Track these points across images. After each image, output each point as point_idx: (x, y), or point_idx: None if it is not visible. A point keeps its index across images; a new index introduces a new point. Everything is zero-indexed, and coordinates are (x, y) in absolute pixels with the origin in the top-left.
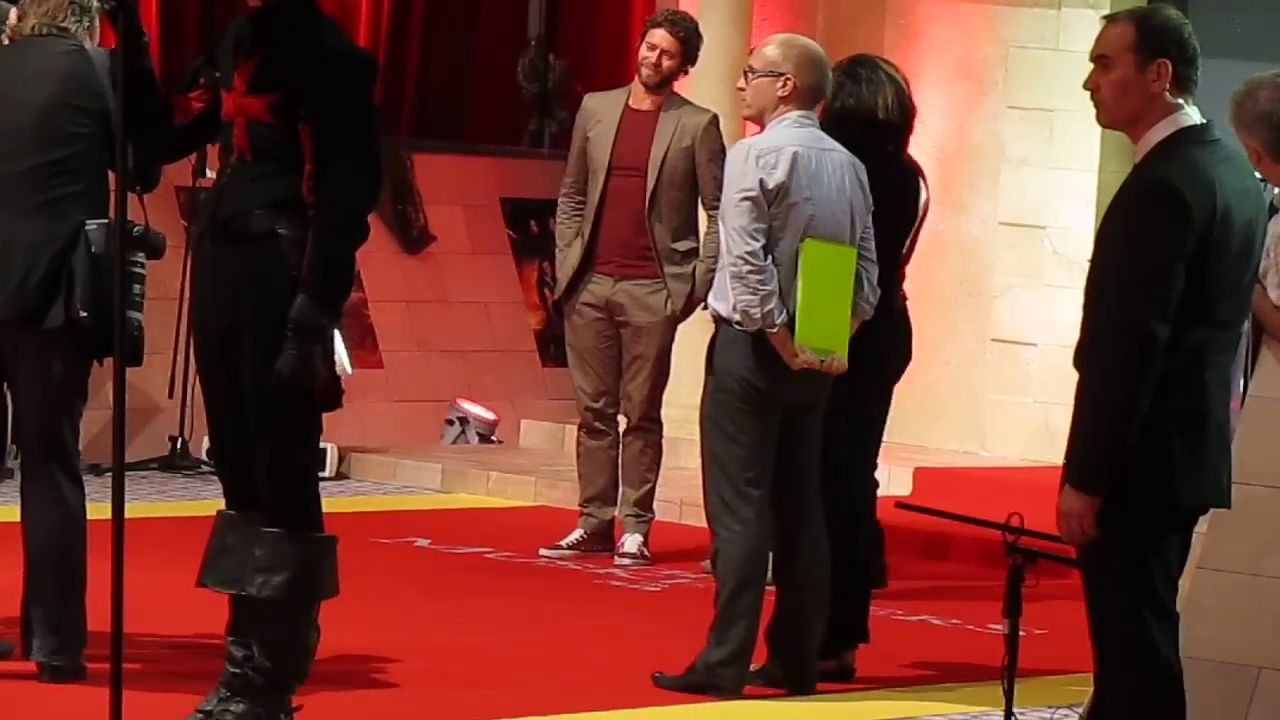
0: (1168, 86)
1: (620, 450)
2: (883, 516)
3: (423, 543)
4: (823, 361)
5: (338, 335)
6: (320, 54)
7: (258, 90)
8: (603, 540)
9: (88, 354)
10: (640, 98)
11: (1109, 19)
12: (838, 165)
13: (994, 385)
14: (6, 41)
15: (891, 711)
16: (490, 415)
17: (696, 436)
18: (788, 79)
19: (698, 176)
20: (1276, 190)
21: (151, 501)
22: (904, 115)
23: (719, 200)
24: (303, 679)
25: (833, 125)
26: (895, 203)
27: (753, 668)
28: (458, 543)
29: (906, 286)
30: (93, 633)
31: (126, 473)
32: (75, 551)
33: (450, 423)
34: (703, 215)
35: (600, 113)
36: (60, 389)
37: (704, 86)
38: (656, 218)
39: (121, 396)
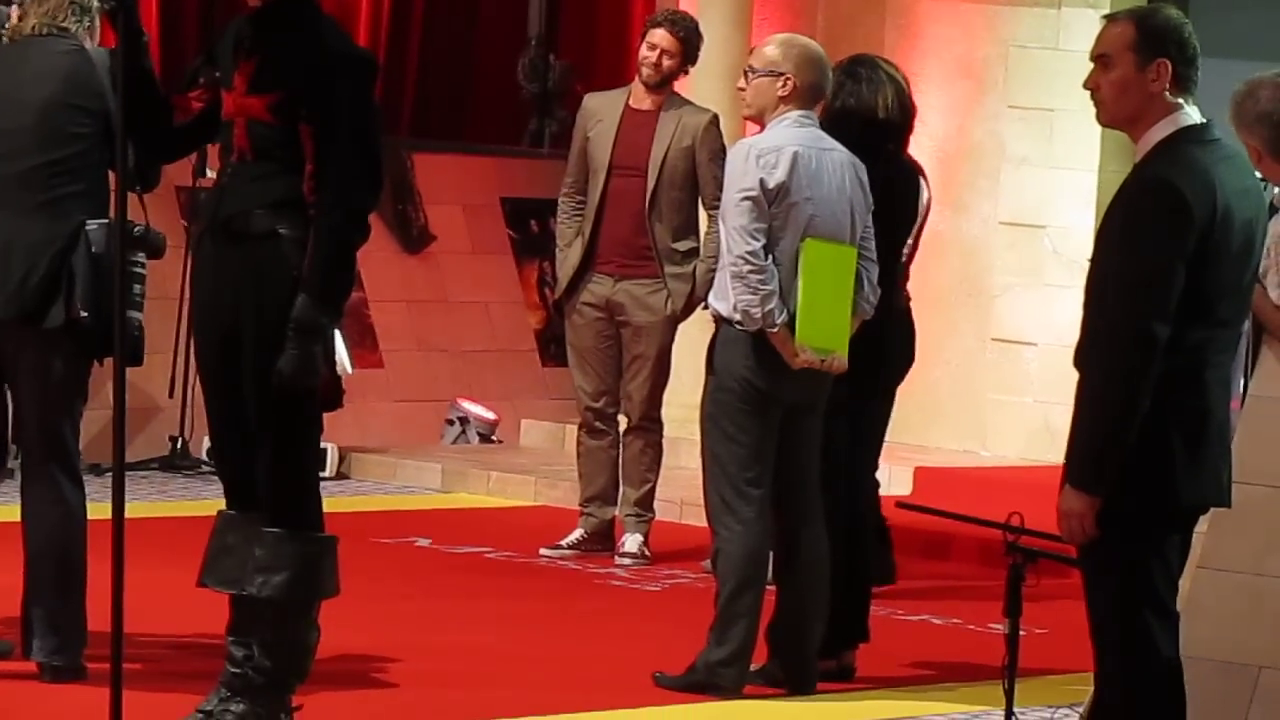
0: (1168, 86)
1: (621, 450)
2: (885, 515)
3: (423, 543)
4: (823, 361)
5: (338, 335)
6: (321, 54)
7: (258, 90)
8: (603, 540)
9: (88, 354)
10: (640, 97)
11: (1109, 18)
12: (838, 165)
13: (994, 385)
14: (7, 41)
15: (892, 711)
16: (490, 415)
17: (697, 436)
18: (788, 79)
19: (698, 176)
20: (1277, 190)
21: (152, 501)
22: (904, 115)
23: (719, 200)
24: (303, 679)
25: (833, 125)
26: (895, 202)
27: (753, 667)
28: (458, 542)
29: (908, 286)
30: (93, 633)
31: (127, 473)
32: (75, 551)
33: (450, 422)
34: (703, 215)
35: (601, 112)
36: (61, 389)
37: (704, 86)
38: (657, 217)
39: (122, 396)
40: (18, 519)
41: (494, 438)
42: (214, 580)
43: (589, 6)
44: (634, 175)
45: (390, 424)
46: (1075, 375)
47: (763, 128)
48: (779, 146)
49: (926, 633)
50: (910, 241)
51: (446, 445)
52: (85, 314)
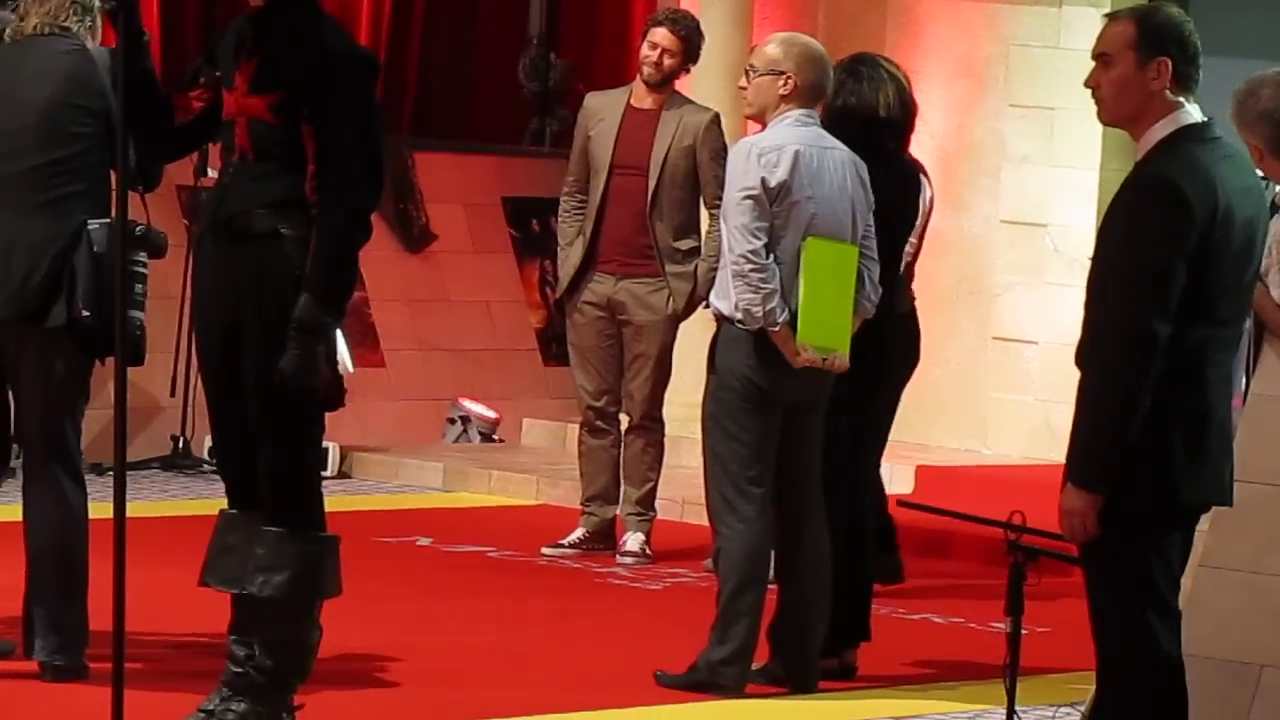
0: (1168, 85)
1: (622, 449)
2: (890, 515)
3: (424, 542)
4: (825, 360)
5: (339, 334)
6: (322, 54)
7: (259, 90)
8: (604, 539)
9: (90, 353)
10: (642, 96)
11: (1110, 17)
12: (839, 164)
13: (995, 383)
14: (8, 41)
15: (893, 710)
16: (492, 414)
17: (698, 435)
18: (789, 78)
19: (699, 175)
20: (1278, 188)
21: (153, 501)
22: (905, 113)
23: (720, 199)
24: (304, 678)
25: (834, 123)
26: (896, 201)
27: (755, 666)
28: (459, 542)
29: (913, 286)
30: (94, 632)
31: (128, 472)
32: (77, 551)
33: (452, 421)
34: (704, 214)
35: (602, 111)
36: (62, 388)
37: (705, 85)
38: (658, 216)
39: (123, 396)
40: (19, 518)
41: (495, 437)
42: (215, 579)
43: (590, 6)
44: (635, 174)
45: (392, 423)
46: (1076, 374)
47: (764, 126)
48: (780, 145)
49: (928, 631)
50: (914, 241)
51: (448, 444)
52: (87, 313)
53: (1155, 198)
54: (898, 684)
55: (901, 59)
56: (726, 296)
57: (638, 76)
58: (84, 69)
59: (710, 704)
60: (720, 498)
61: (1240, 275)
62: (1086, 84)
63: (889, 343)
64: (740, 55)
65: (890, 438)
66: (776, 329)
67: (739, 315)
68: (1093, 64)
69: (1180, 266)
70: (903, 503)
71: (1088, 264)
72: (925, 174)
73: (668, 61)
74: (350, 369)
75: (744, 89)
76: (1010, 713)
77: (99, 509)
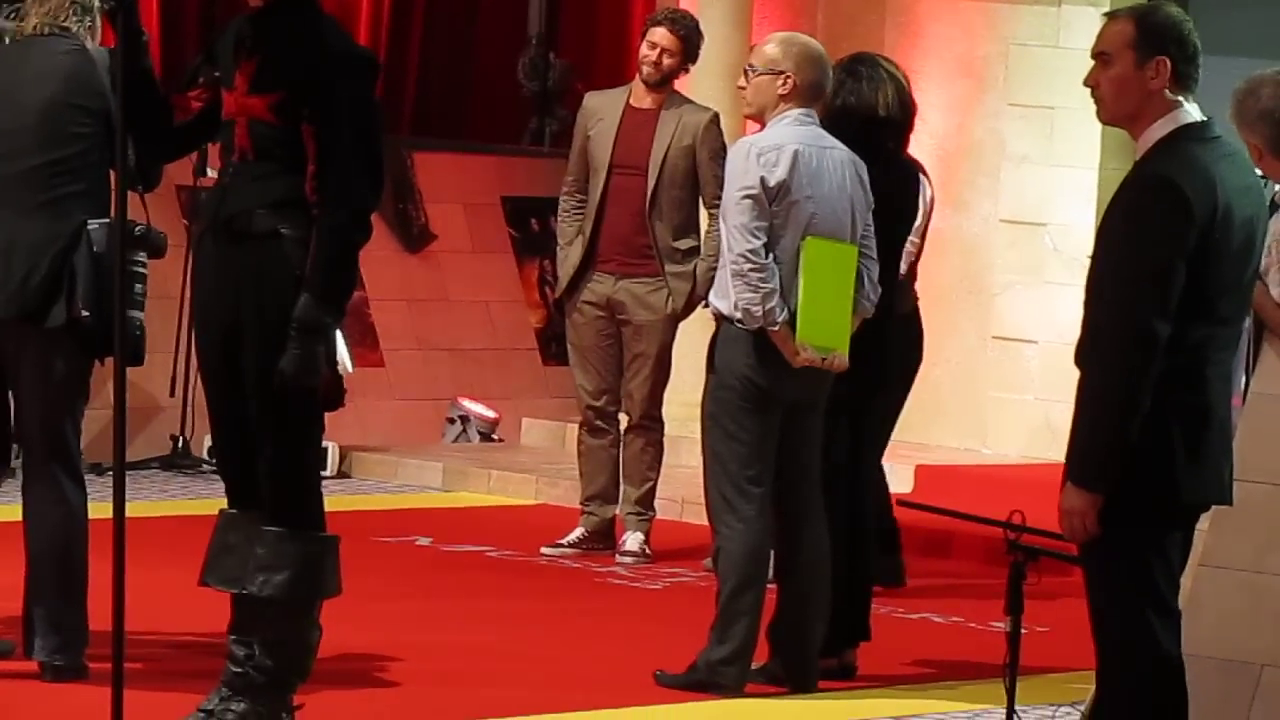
0: (1167, 84)
1: (621, 448)
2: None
3: (424, 541)
4: (824, 359)
5: (339, 334)
6: (322, 54)
7: (259, 90)
8: (604, 538)
9: (89, 353)
10: (641, 96)
11: (1110, 16)
12: (838, 163)
13: (995, 383)
14: (9, 41)
15: (893, 710)
16: (491, 414)
17: (698, 435)
18: (788, 77)
19: (699, 175)
20: (1278, 187)
21: (153, 501)
22: (904, 113)
23: (720, 198)
24: (304, 678)
25: (833, 123)
26: (895, 201)
27: (754, 666)
28: (459, 541)
29: (916, 286)
30: (94, 632)
31: (128, 472)
32: (77, 551)
33: (451, 421)
34: (704, 213)
35: (601, 111)
36: (62, 388)
37: (705, 85)
38: (657, 216)
39: (122, 396)
40: (19, 518)
41: (495, 436)
42: (215, 579)
43: (589, 5)
44: (635, 174)
45: (391, 423)
46: (1076, 373)
47: (763, 126)
48: (779, 145)
49: (928, 631)
50: (917, 240)
51: (447, 444)
52: (87, 313)
53: (1155, 197)
54: (897, 684)
55: (901, 58)
56: (726, 296)
57: (637, 76)
58: (84, 69)
59: (710, 704)
60: (720, 497)
61: (1240, 274)
62: (1086, 83)
63: (889, 342)
64: (739, 55)
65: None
66: (776, 328)
67: (738, 315)
68: (1092, 63)
69: (1180, 266)
70: (903, 502)
71: (1087, 263)
72: (925, 173)
73: (667, 61)
74: (350, 369)
75: (743, 88)
76: (1010, 712)
77: (99, 509)
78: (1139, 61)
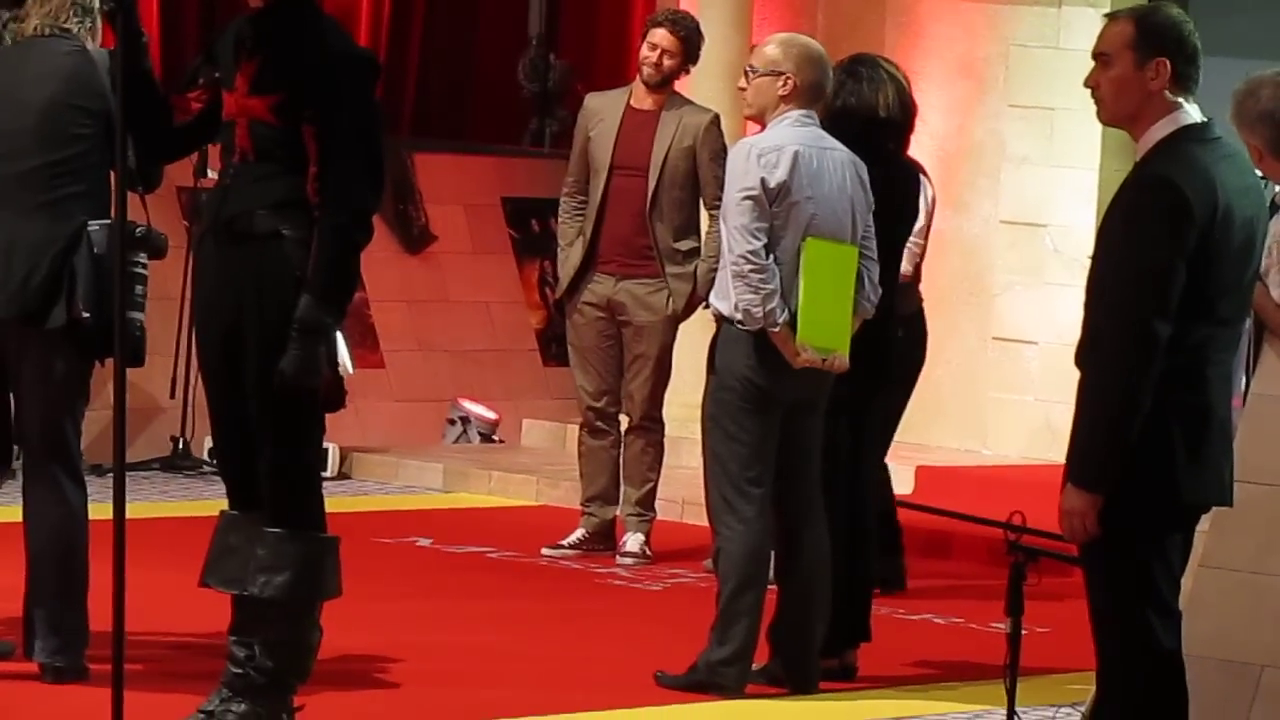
0: (1167, 85)
1: (622, 449)
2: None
3: (424, 543)
4: (824, 360)
5: (339, 335)
6: (323, 55)
7: (260, 91)
8: (604, 539)
9: (90, 354)
10: (641, 97)
11: (1110, 17)
12: (839, 164)
13: (995, 383)
14: (9, 42)
15: (894, 710)
16: (492, 415)
17: (698, 436)
18: (788, 78)
19: (699, 176)
20: (1278, 188)
21: (153, 502)
22: (905, 114)
23: (720, 200)
24: (304, 679)
25: (833, 124)
26: (896, 202)
27: (755, 667)
28: (459, 542)
29: (920, 287)
30: (95, 633)
31: (128, 473)
32: (77, 552)
33: (452, 422)
34: (704, 215)
35: (602, 112)
36: (62, 389)
37: (705, 86)
38: (658, 217)
39: (122, 397)
40: (20, 519)
41: (495, 437)
42: (216, 580)
43: (590, 6)
44: (635, 175)
45: (391, 424)
46: (1076, 374)
47: (763, 127)
48: (780, 146)
49: (928, 632)
50: (921, 241)
51: (448, 445)
52: (87, 314)
53: (1155, 198)
54: (898, 684)
55: (901, 59)
56: (726, 297)
57: (637, 77)
58: (84, 70)
59: (710, 704)
60: (720, 498)
61: (1240, 275)
62: (1086, 84)
63: (889, 343)
64: (740, 56)
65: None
66: (776, 329)
67: (739, 316)
68: (1092, 64)
69: (1180, 266)
70: (903, 503)
71: (1087, 264)
72: (925, 174)
73: (667, 62)
74: (350, 370)
75: (743, 89)
76: (1010, 713)
77: (99, 510)
78: (1139, 62)
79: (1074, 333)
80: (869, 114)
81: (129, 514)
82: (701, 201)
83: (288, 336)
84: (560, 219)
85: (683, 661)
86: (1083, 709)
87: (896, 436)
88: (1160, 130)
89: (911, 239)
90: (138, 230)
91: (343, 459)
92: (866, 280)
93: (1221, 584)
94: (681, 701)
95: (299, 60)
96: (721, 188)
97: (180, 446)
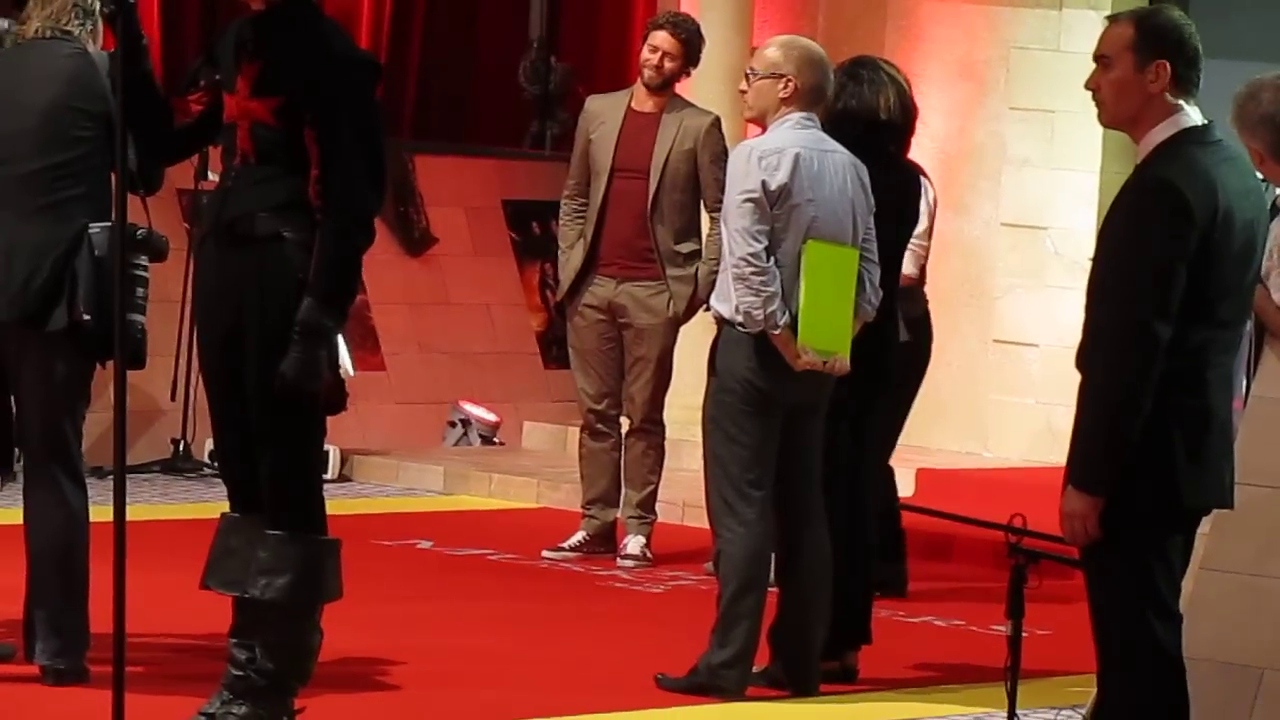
0: (1167, 87)
1: (622, 452)
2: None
3: (425, 545)
4: (825, 363)
5: (340, 338)
6: (324, 57)
7: (261, 94)
8: (605, 542)
9: (90, 357)
10: (642, 100)
11: (1111, 19)
12: (839, 166)
13: (996, 386)
14: (10, 45)
15: (894, 713)
16: (492, 417)
17: (699, 438)
18: (789, 80)
19: (700, 178)
20: (1278, 191)
21: (154, 504)
22: (905, 116)
23: (721, 202)
24: (305, 681)
25: (834, 126)
26: (896, 204)
27: (755, 669)
28: (460, 545)
29: (925, 289)
30: (95, 635)
31: (129, 475)
32: (78, 554)
33: (452, 425)
34: (705, 217)
35: (603, 115)
36: (63, 391)
37: (705, 88)
38: (659, 220)
39: (122, 399)
40: (21, 521)
41: (496, 440)
42: (217, 582)
43: (590, 9)
44: (636, 177)
45: (392, 426)
46: (1077, 376)
47: (764, 130)
48: (781, 148)
49: (929, 634)
50: (925, 243)
51: (448, 447)
52: (88, 317)
53: (1155, 200)
54: (899, 687)
55: (902, 62)
56: (727, 299)
57: (638, 79)
58: (85, 72)
59: (711, 707)
60: (721, 500)
61: (1241, 277)
62: (1087, 86)
63: (890, 346)
64: (740, 58)
65: None
66: (777, 332)
67: (740, 318)
68: (1093, 66)
69: (1180, 268)
70: (904, 506)
71: (1088, 266)
72: (926, 176)
73: (668, 65)
74: (351, 372)
75: (744, 92)
76: (1011, 715)
77: (100, 512)
78: (1139, 65)
79: (1075, 335)
80: (870, 116)
81: (129, 516)
82: (702, 204)
83: (289, 339)
84: (561, 221)
85: (683, 664)
86: (1084, 711)
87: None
88: (1161, 133)
89: (916, 241)
90: (139, 232)
91: (343, 461)
92: (867, 283)
93: (1222, 586)
94: (682, 704)
95: (300, 63)
96: (722, 190)
97: (181, 449)
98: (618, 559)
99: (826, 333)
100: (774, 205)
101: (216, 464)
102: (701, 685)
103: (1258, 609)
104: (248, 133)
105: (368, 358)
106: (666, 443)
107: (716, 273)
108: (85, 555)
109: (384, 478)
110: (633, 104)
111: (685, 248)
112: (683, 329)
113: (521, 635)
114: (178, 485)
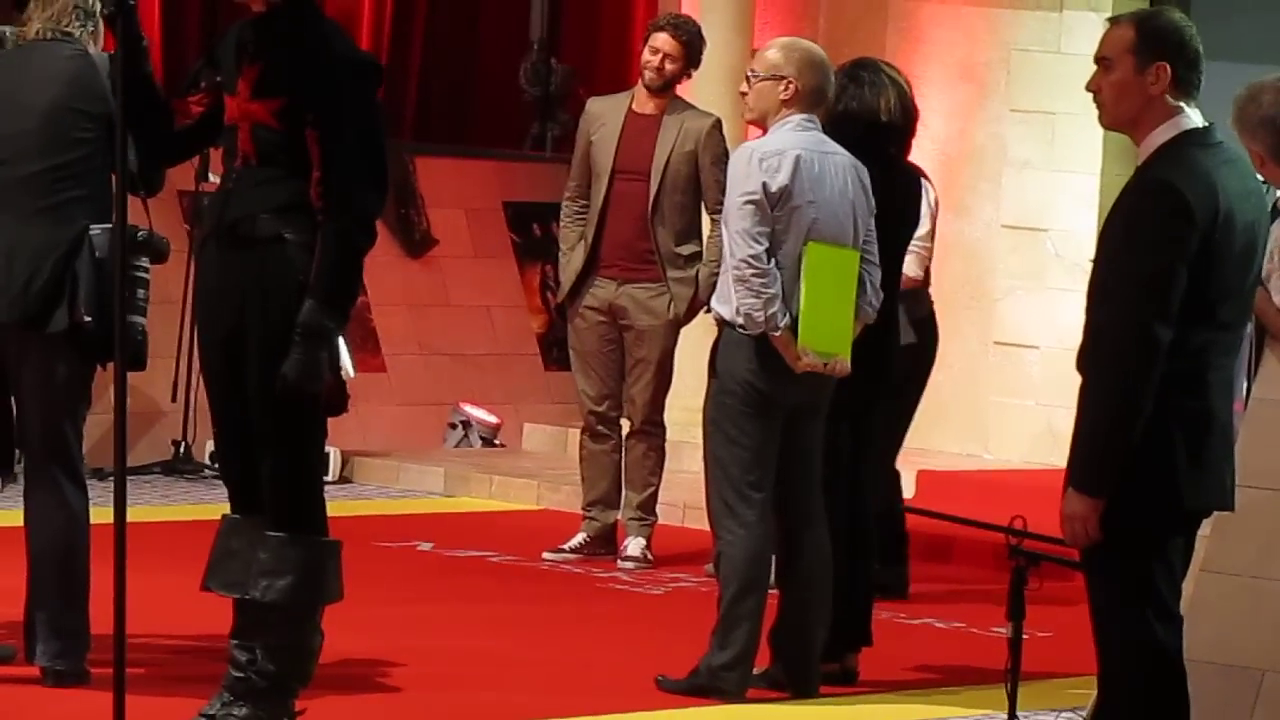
0: (1168, 89)
1: (623, 454)
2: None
3: (425, 547)
4: (826, 365)
5: (341, 339)
6: (325, 59)
7: (262, 95)
8: (606, 544)
9: (91, 358)
10: (643, 101)
11: (1112, 21)
12: (840, 168)
13: (997, 388)
14: (11, 46)
15: (895, 715)
16: (493, 419)
17: (699, 440)
18: (790, 82)
19: (701, 180)
20: (1279, 193)
21: (155, 506)
22: (906, 118)
23: (722, 204)
24: (306, 683)
25: (835, 128)
26: (897, 206)
27: (756, 671)
28: (461, 546)
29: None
30: (96, 637)
31: (130, 477)
32: (79, 555)
33: (453, 426)
34: (706, 219)
35: (604, 116)
36: (64, 393)
37: (706, 90)
38: (660, 221)
39: (123, 400)
40: (21, 523)
41: (496, 441)
42: (218, 584)
43: (591, 10)
44: (637, 179)
45: (392, 428)
46: (1078, 378)
47: (765, 131)
48: (781, 150)
49: (929, 636)
50: (929, 244)
51: (449, 449)
52: (89, 319)
53: (1156, 202)
54: (899, 689)
55: (902, 64)
56: (728, 301)
57: (639, 81)
58: (86, 74)
59: (711, 709)
60: (721, 502)
61: (1241, 279)
62: (1087, 88)
63: (891, 347)
64: (741, 60)
65: None
66: (778, 334)
67: (740, 320)
68: (1094, 68)
69: (1181, 270)
70: (905, 508)
71: (1089, 268)
72: (927, 178)
73: (669, 66)
74: (352, 374)
75: (745, 94)
76: (1012, 717)
77: (100, 514)
78: (1139, 66)
79: (1075, 337)
80: (870, 118)
81: (130, 518)
82: (703, 206)
83: (290, 341)
84: (562, 223)
85: (684, 665)
86: (1084, 713)
87: None
88: (1161, 135)
89: (919, 243)
90: (139, 234)
91: (344, 463)
92: (868, 284)
93: (1223, 589)
94: (683, 706)
95: (301, 65)
96: (723, 192)
97: (182, 450)
98: (618, 561)
99: (827, 334)
100: (775, 207)
101: (217, 465)
102: (702, 687)
103: (1258, 611)
104: (249, 134)
105: (368, 359)
106: (667, 444)
107: (717, 275)
108: (86, 557)
109: (384, 479)
110: (634, 106)
111: (686, 249)
112: (683, 331)
113: (522, 637)
114: (178, 487)
